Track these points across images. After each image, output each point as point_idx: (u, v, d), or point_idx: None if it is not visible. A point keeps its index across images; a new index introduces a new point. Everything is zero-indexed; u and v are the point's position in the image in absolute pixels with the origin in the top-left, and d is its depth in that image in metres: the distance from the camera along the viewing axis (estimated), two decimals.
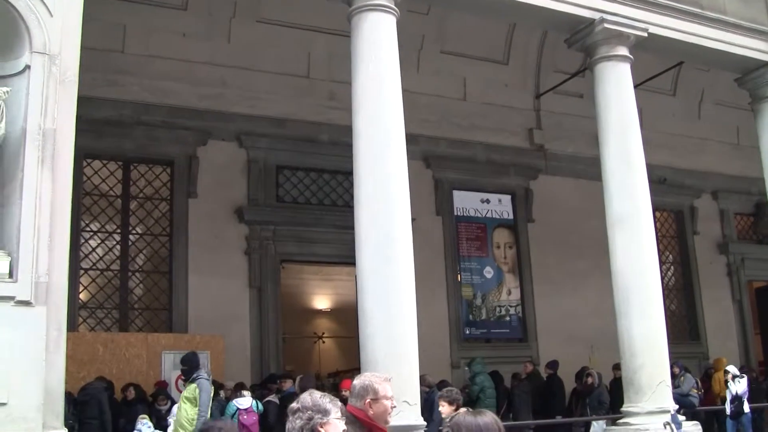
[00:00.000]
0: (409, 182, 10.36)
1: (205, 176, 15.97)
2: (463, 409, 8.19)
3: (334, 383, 16.57)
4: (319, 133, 16.81)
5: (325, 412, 4.02)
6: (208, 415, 10.76)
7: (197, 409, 10.72)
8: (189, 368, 11.25)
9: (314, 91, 16.85)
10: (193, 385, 10.88)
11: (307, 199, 17.27)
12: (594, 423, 14.81)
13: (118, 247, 15.79)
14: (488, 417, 3.46)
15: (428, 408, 12.60)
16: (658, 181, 18.88)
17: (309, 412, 3.99)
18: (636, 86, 13.25)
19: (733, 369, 15.59)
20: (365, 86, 10.42)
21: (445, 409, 8.17)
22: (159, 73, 15.62)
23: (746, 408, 14.90)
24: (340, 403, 4.22)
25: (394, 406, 4.90)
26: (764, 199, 14.97)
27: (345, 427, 4.25)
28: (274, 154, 16.79)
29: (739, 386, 15.10)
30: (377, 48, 10.53)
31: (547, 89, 19.26)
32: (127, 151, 15.76)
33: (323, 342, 24.07)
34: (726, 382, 15.45)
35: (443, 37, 18.02)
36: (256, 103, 16.40)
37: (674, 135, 20.68)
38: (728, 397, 15.04)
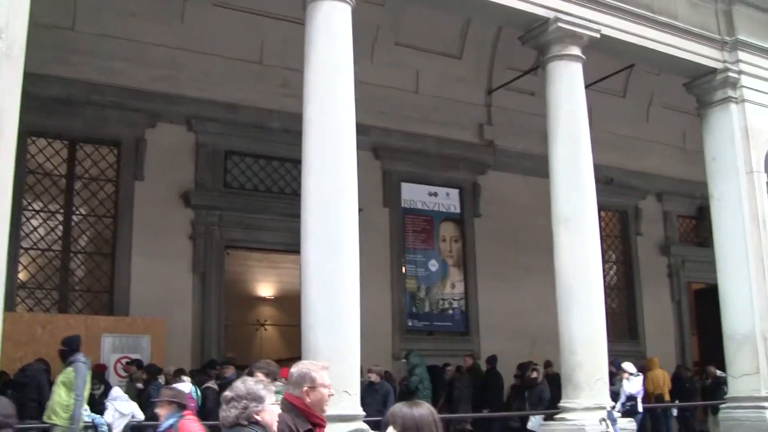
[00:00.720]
0: (357, 173, 10.35)
1: (153, 159, 15.80)
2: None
3: None
4: (269, 120, 16.71)
5: (260, 399, 4.02)
6: (84, 400, 10.45)
7: (73, 393, 10.36)
8: (68, 350, 10.65)
9: (267, 78, 16.74)
10: (69, 369, 10.53)
11: (254, 186, 17.17)
12: (532, 418, 14.94)
13: (61, 227, 15.56)
14: (424, 409, 3.47)
15: (380, 398, 12.72)
16: (605, 181, 19.13)
17: (244, 401, 3.98)
18: (587, 86, 13.38)
19: (629, 367, 15.42)
20: (318, 75, 10.38)
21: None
22: (110, 52, 15.38)
23: (640, 408, 14.89)
24: (274, 388, 4.21)
25: (332, 395, 4.90)
26: (707, 203, 15.20)
27: (280, 413, 4.26)
28: (223, 139, 16.67)
29: (633, 386, 15.08)
30: (331, 37, 10.49)
31: (499, 85, 19.33)
32: (73, 130, 15.52)
33: (265, 330, 23.99)
34: (621, 380, 15.20)
35: (398, 29, 18.02)
36: (207, 87, 16.24)
37: (622, 136, 20.92)
38: (622, 397, 14.81)
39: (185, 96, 16.10)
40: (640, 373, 15.46)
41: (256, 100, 16.63)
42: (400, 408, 3.51)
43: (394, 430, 3.43)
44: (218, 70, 16.32)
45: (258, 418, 3.98)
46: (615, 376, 15.55)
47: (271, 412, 4.07)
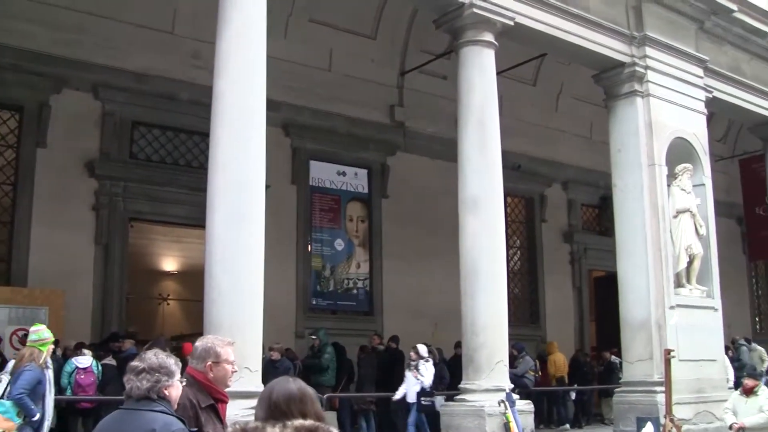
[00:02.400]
0: (266, 149, 10.27)
1: (57, 126, 15.36)
2: None
3: (177, 346, 16.33)
4: (179, 91, 16.43)
5: (171, 374, 3.98)
6: None
7: None
8: None
9: (178, 48, 16.42)
10: None
11: (161, 158, 16.89)
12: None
13: None
14: (302, 384, 3.34)
15: (280, 375, 12.59)
16: (512, 167, 19.33)
17: (156, 374, 3.93)
18: (499, 73, 13.51)
19: (422, 349, 14.10)
20: (230, 47, 10.26)
21: None
22: (13, 12, 14.77)
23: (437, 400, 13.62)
24: (181, 364, 4.17)
25: (235, 371, 4.87)
26: (610, 193, 15.55)
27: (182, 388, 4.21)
28: (130, 109, 16.32)
29: (427, 373, 13.79)
30: (244, 9, 10.37)
31: (412, 68, 19.38)
32: None
33: (168, 304, 23.72)
34: (411, 367, 13.93)
35: (313, 6, 17.88)
36: (116, 54, 15.83)
37: (531, 124, 21.20)
38: (410, 384, 13.76)
39: (92, 62, 15.67)
40: (430, 359, 14.25)
41: (166, 71, 16.33)
42: (270, 382, 3.43)
43: None
44: (128, 38, 15.93)
45: (166, 392, 3.93)
46: (516, 359, 15.85)
47: (177, 387, 4.03)
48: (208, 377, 4.64)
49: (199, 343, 4.79)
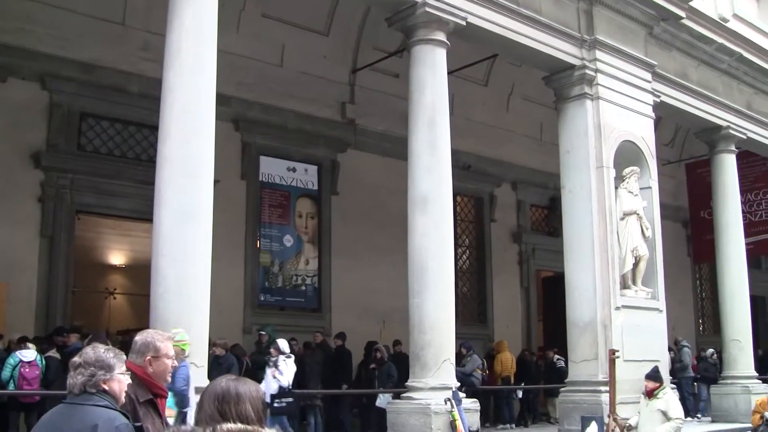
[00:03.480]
0: (216, 143, 10.19)
1: (2, 116, 15.06)
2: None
3: (124, 341, 16.15)
4: (128, 84, 16.23)
5: (109, 368, 3.94)
6: None
7: None
8: None
9: (128, 40, 16.23)
10: None
11: (109, 150, 16.67)
12: (380, 395, 15.15)
13: None
14: (233, 383, 3.30)
15: (224, 371, 12.53)
16: (462, 166, 19.43)
17: (92, 368, 3.90)
18: (450, 72, 13.54)
19: (282, 345, 13.20)
20: (180, 40, 10.15)
21: None
22: None
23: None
24: (125, 357, 4.13)
25: (175, 366, 4.84)
26: (559, 194, 15.68)
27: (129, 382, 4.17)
28: (79, 100, 16.08)
29: (286, 371, 13.03)
30: (196, 1, 10.28)
31: (364, 65, 19.34)
32: None
33: (114, 298, 23.49)
34: (270, 363, 13.19)
35: (266, 1, 17.80)
36: (64, 44, 15.59)
37: (482, 124, 21.30)
38: (269, 383, 12.82)
39: (40, 52, 15.39)
40: (291, 355, 13.50)
41: (116, 62, 16.12)
42: (219, 380, 3.39)
43: None
44: (77, 28, 15.70)
45: (105, 387, 3.90)
46: (464, 358, 15.97)
47: (119, 381, 3.99)
48: (147, 372, 4.61)
49: (139, 337, 4.75)
